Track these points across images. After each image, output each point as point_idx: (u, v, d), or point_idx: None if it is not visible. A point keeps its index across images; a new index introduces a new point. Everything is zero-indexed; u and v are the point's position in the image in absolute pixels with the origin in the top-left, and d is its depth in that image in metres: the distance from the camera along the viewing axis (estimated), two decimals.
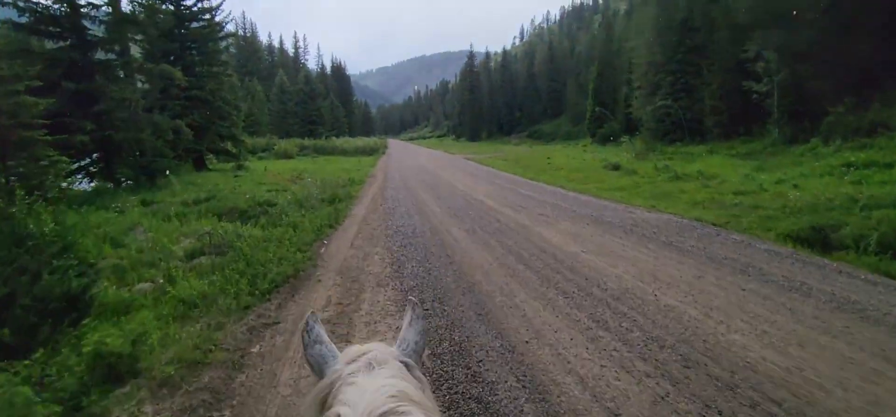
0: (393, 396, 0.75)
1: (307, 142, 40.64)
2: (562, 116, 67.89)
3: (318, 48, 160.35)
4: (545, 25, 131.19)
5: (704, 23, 29.40)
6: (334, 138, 43.89)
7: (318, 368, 0.97)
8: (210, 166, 24.19)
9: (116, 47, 14.18)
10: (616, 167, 21.78)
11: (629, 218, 9.34)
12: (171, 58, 21.88)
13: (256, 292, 5.38)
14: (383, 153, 41.68)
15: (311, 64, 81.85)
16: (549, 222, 9.15)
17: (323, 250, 7.52)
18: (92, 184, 13.99)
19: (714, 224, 8.49)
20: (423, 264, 6.76)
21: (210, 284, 5.35)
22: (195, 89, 21.50)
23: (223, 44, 23.54)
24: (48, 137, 9.33)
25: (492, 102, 76.88)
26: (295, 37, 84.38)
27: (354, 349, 0.98)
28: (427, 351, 1.55)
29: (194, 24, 22.63)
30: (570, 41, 78.84)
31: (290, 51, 75.78)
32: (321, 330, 1.04)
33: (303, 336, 1.02)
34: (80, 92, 12.50)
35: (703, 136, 30.36)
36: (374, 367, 0.87)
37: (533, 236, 8.08)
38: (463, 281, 5.97)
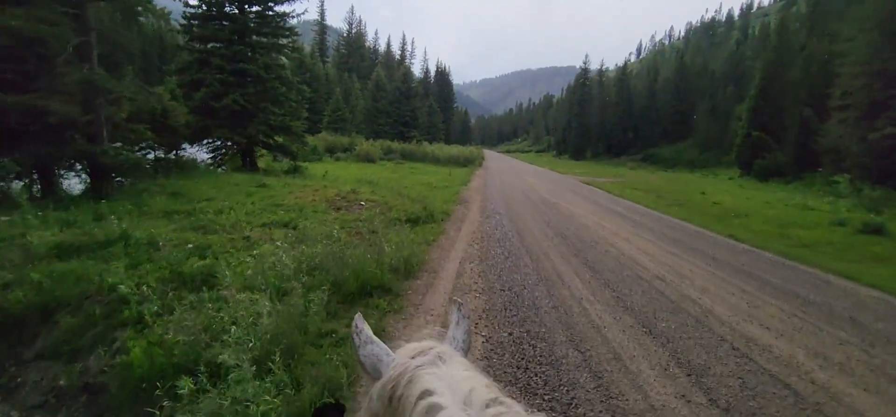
0: (487, 386, 0.71)
1: (396, 145, 34.30)
2: (686, 141, 56.51)
3: (425, 53, 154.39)
4: (667, 42, 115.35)
5: None
6: (426, 144, 37.23)
7: (374, 368, 0.87)
8: (262, 165, 18.21)
9: None
10: (876, 231, 12.29)
11: None
12: (225, 23, 16.12)
13: None
14: (479, 165, 34.15)
15: (416, 68, 77.16)
16: None
17: None
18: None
19: None
20: None
21: None
22: (242, 62, 15.45)
23: (292, 7, 17.31)
24: None
25: (602, 120, 66.45)
26: (402, 39, 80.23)
27: (413, 345, 0.88)
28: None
29: None
30: (702, 58, 65.89)
31: (397, 53, 71.50)
32: (369, 330, 0.94)
33: (354, 338, 0.92)
34: None
35: None
36: (445, 360, 0.80)
37: None
38: None
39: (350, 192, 11.54)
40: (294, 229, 7.49)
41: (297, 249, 5.65)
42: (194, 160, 13.85)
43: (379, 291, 4.87)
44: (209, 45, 16.18)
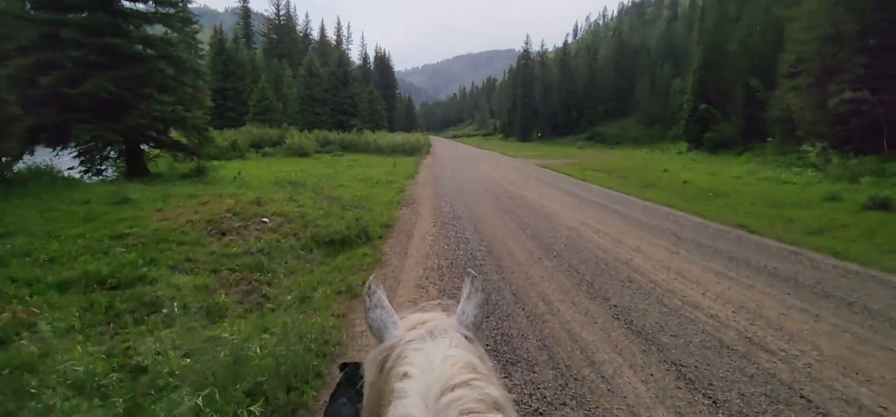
0: (463, 367, 0.67)
1: (334, 135, 30.53)
2: (628, 118, 56.59)
3: (363, 38, 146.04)
4: (602, 22, 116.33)
5: None
6: (368, 133, 33.62)
7: (379, 332, 0.85)
8: (162, 168, 14.32)
9: None
10: (883, 206, 10.68)
11: None
12: None
13: None
14: (427, 153, 31.11)
15: (354, 54, 72.32)
16: None
17: None
18: None
19: None
20: None
21: None
22: (110, 35, 11.47)
23: None
24: None
25: (546, 100, 65.15)
26: (337, 24, 74.52)
27: (416, 316, 0.85)
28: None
29: None
30: (639, 36, 66.07)
31: (332, 38, 66.14)
32: (382, 295, 0.92)
33: (365, 299, 0.90)
34: None
35: None
36: (435, 336, 0.77)
37: None
38: None
39: (253, 202, 8.23)
40: (114, 289, 4.25)
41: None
42: (38, 169, 9.92)
43: None
44: (69, 16, 12.02)
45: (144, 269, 4.69)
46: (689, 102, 34.36)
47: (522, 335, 3.66)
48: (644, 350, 3.35)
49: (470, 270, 1.04)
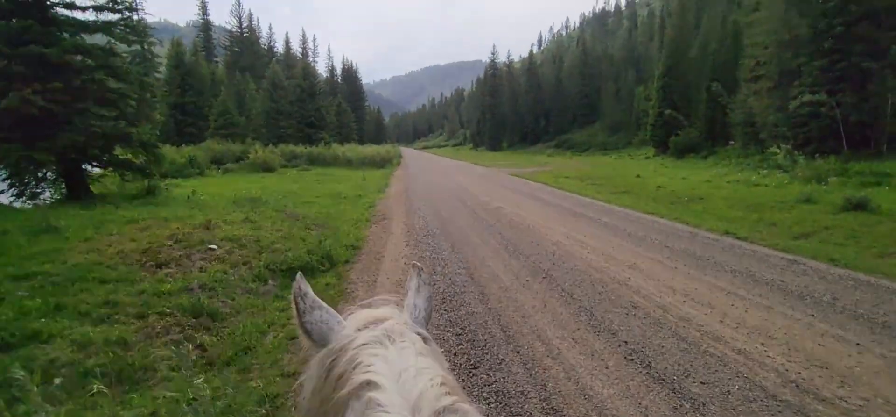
0: (442, 384, 0.61)
1: (301, 149, 29.30)
2: (595, 125, 57.40)
3: (329, 50, 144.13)
4: (564, 33, 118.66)
5: None
6: (336, 146, 32.45)
7: (321, 336, 0.75)
8: (112, 189, 12.97)
9: None
10: (859, 206, 10.64)
11: None
12: None
13: None
14: (398, 165, 30.27)
15: (321, 67, 70.75)
16: None
17: None
18: None
19: None
20: None
21: None
22: (38, 43, 10.19)
23: None
24: None
25: (515, 109, 65.47)
26: (303, 36, 72.85)
27: (364, 313, 0.78)
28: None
29: None
30: (602, 46, 67.31)
31: (298, 51, 64.48)
32: (313, 293, 0.81)
33: (297, 302, 0.78)
34: None
35: (865, 145, 19.32)
36: (394, 340, 0.70)
37: None
38: None
39: (201, 226, 7.21)
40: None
41: None
42: None
43: None
44: None
45: (42, 321, 3.69)
46: (655, 107, 34.81)
47: (521, 392, 2.90)
48: (676, 408, 2.65)
49: (416, 262, 0.92)
